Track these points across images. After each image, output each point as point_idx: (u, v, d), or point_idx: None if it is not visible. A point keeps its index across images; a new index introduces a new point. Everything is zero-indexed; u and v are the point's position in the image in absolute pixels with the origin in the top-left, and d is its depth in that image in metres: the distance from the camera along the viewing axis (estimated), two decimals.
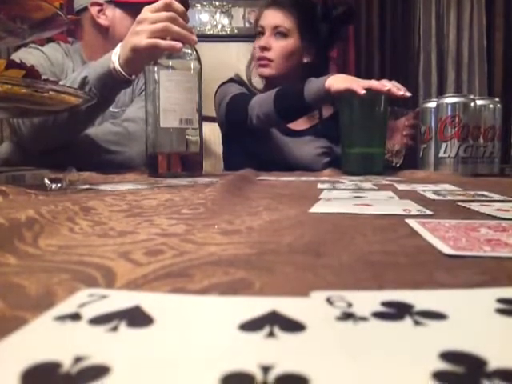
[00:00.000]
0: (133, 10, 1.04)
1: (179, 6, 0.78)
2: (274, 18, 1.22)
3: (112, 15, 1.08)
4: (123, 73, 0.80)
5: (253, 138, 1.18)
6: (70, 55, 1.12)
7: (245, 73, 1.35)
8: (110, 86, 0.83)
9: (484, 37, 2.50)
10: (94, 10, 1.08)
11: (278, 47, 1.22)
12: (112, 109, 1.09)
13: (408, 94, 0.91)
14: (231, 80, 1.29)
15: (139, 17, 0.78)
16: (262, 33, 1.24)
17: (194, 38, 0.77)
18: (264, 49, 1.22)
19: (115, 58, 0.81)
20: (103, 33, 1.10)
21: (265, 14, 1.24)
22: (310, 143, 1.24)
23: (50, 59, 1.06)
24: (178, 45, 0.74)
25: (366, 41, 2.51)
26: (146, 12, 0.77)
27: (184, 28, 0.76)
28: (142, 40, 0.75)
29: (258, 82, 1.33)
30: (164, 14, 0.76)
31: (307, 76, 1.09)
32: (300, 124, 1.25)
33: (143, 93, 1.11)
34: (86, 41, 1.14)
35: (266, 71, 1.23)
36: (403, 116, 1.12)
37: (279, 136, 1.21)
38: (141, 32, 0.76)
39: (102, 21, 1.08)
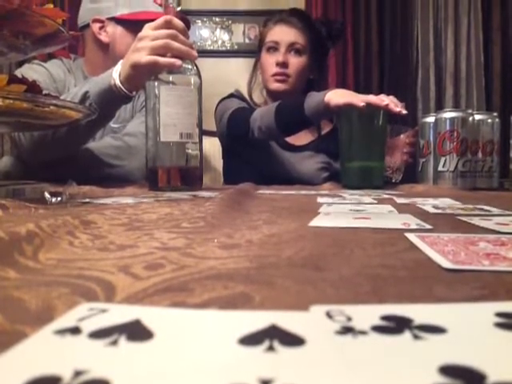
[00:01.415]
0: (133, 28, 1.05)
1: (179, 23, 0.79)
2: (289, 34, 1.24)
3: (113, 32, 1.09)
4: (123, 89, 0.81)
5: (253, 152, 1.19)
6: (72, 71, 1.13)
7: (245, 88, 1.36)
8: (110, 102, 0.84)
9: (481, 52, 2.52)
10: (95, 26, 1.10)
11: (296, 64, 1.24)
12: (113, 124, 1.10)
13: (404, 112, 0.91)
14: (232, 95, 1.30)
15: (140, 34, 0.79)
16: (275, 48, 1.24)
17: (195, 53, 0.78)
18: (283, 65, 1.23)
19: (116, 74, 0.81)
20: (104, 49, 1.11)
21: (277, 30, 1.25)
22: (309, 158, 1.25)
23: (53, 75, 1.07)
24: (178, 62, 0.75)
25: (364, 56, 2.53)
26: (147, 29, 0.78)
27: (184, 44, 0.77)
28: (143, 57, 0.76)
29: (258, 98, 1.34)
30: (164, 31, 0.76)
31: (309, 90, 1.11)
32: (300, 139, 1.26)
33: (144, 108, 1.11)
34: (88, 57, 1.15)
35: (283, 87, 1.24)
36: (403, 133, 1.13)
37: (279, 151, 1.21)
38: (141, 49, 0.77)
39: (103, 37, 1.09)
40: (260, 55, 1.31)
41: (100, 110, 0.75)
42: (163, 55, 0.76)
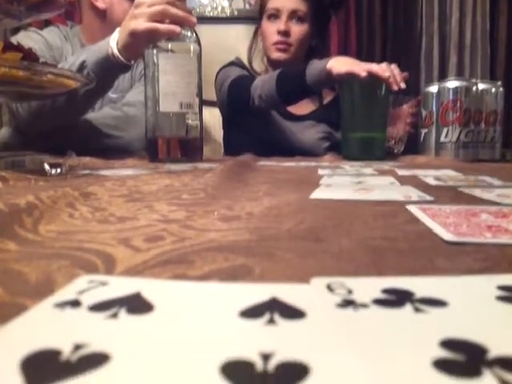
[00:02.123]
0: None
1: None
2: (290, 1, 1.20)
3: None
4: (121, 58, 0.80)
5: (254, 122, 1.18)
6: (69, 39, 1.11)
7: (245, 55, 1.33)
8: (108, 71, 0.82)
9: (487, 21, 2.47)
10: None
11: (298, 32, 1.21)
12: (111, 94, 1.09)
13: (403, 86, 0.90)
14: (232, 63, 1.28)
15: (137, 0, 0.76)
16: (275, 16, 1.21)
17: (194, 19, 0.76)
18: (284, 33, 1.20)
19: (113, 42, 0.80)
20: (101, 16, 1.08)
21: None
22: (311, 128, 1.24)
23: (49, 43, 1.05)
24: (177, 28, 0.73)
25: (367, 24, 2.48)
26: None
27: (183, 10, 0.75)
28: (141, 24, 0.74)
29: (259, 66, 1.32)
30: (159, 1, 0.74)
31: (310, 58, 1.09)
32: (301, 109, 1.25)
33: (143, 78, 1.10)
34: (85, 24, 1.13)
35: (284, 55, 1.22)
36: (405, 103, 1.11)
37: (280, 120, 1.20)
38: (139, 16, 0.75)
39: (100, 3, 1.07)
40: (261, 22, 1.27)
41: (98, 80, 0.74)
42: (161, 22, 0.74)
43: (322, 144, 1.24)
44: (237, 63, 1.28)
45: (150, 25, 0.74)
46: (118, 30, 0.81)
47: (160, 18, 0.74)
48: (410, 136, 1.13)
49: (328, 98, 1.33)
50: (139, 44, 0.77)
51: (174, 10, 0.74)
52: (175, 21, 0.74)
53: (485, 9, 2.46)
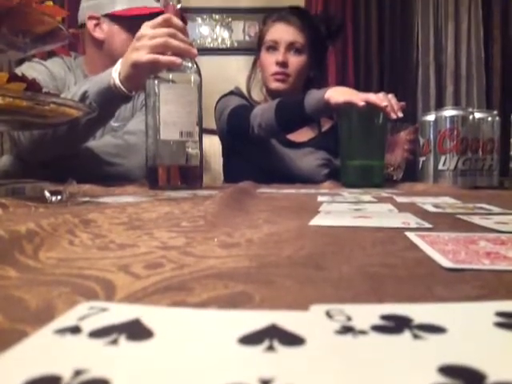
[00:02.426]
0: (129, 24, 1.05)
1: (178, 22, 0.78)
2: (288, 33, 1.23)
3: (108, 29, 1.09)
4: (123, 89, 0.81)
5: (254, 150, 1.19)
6: (73, 70, 1.13)
7: (244, 85, 1.36)
8: (109, 102, 0.84)
9: (482, 49, 2.52)
10: (90, 23, 1.09)
11: (296, 63, 1.24)
12: (113, 123, 1.10)
13: (400, 115, 0.92)
14: (232, 93, 1.30)
15: (139, 33, 0.78)
16: (274, 48, 1.24)
17: (194, 51, 0.78)
18: (283, 64, 1.22)
19: (115, 74, 0.81)
20: (100, 47, 1.11)
21: (276, 29, 1.25)
22: (309, 155, 1.25)
23: (53, 74, 1.07)
24: (178, 60, 0.75)
25: (364, 54, 2.53)
26: (146, 28, 0.78)
27: (184, 42, 0.77)
28: (143, 56, 0.76)
29: (258, 95, 1.34)
30: (163, 30, 0.76)
31: (309, 88, 1.10)
32: (301, 136, 1.26)
33: (144, 107, 1.11)
34: (87, 55, 1.15)
35: (283, 86, 1.24)
36: (403, 130, 1.13)
37: (280, 147, 1.22)
38: (141, 48, 0.77)
39: (98, 34, 1.09)
40: (259, 54, 1.30)
41: (100, 110, 0.75)
42: (163, 54, 0.76)
43: (321, 171, 1.25)
44: (236, 93, 1.30)
45: (151, 56, 0.76)
46: (120, 61, 0.82)
47: (162, 50, 0.76)
48: (409, 163, 1.14)
49: (326, 125, 1.34)
50: (141, 75, 0.78)
51: (175, 43, 0.76)
52: (177, 52, 0.76)
53: (479, 37, 2.51)
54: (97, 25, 1.09)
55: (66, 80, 1.09)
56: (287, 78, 1.24)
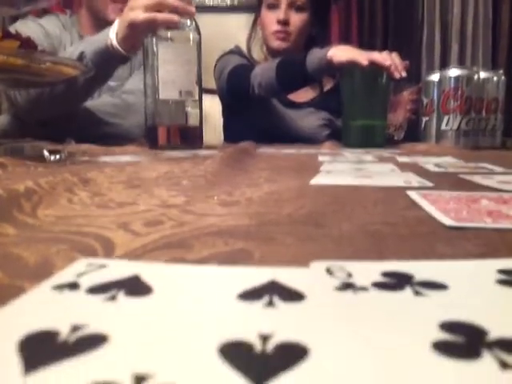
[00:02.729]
0: None
1: None
2: None
3: None
4: (120, 49, 0.79)
5: (254, 109, 1.17)
6: (68, 28, 1.10)
7: (245, 44, 1.32)
8: (107, 62, 0.82)
9: (490, 10, 2.44)
10: None
11: (297, 21, 1.20)
12: (110, 82, 1.08)
13: (404, 74, 0.90)
14: (231, 52, 1.27)
15: None
16: (275, 5, 1.20)
17: (192, 9, 0.76)
18: (284, 22, 1.18)
19: (113, 34, 0.79)
20: (85, 5, 1.08)
21: None
22: (311, 115, 1.24)
23: (47, 31, 1.04)
24: (175, 18, 0.73)
25: (368, 12, 2.46)
26: None
27: (178, 3, 0.74)
28: (139, 15, 0.74)
29: (258, 54, 1.31)
30: None
31: (310, 47, 1.08)
32: (301, 96, 1.24)
33: (142, 66, 1.10)
34: (78, 14, 1.12)
35: (284, 44, 1.20)
36: (405, 90, 1.11)
37: (280, 107, 1.20)
38: (136, 7, 0.75)
39: None
40: (259, 12, 1.26)
41: (97, 70, 0.73)
42: (160, 12, 0.74)
43: (323, 131, 1.23)
44: (236, 52, 1.27)
45: (148, 15, 0.74)
46: (117, 21, 0.80)
47: (158, 8, 0.74)
48: (411, 123, 1.13)
49: (328, 85, 1.32)
50: (138, 35, 0.77)
51: (171, 1, 0.74)
52: (174, 11, 0.74)
53: None
54: None
55: (61, 38, 1.06)
56: (288, 37, 1.20)
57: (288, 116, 1.20)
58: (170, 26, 0.74)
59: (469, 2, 2.46)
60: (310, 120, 1.22)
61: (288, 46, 1.20)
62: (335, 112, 1.22)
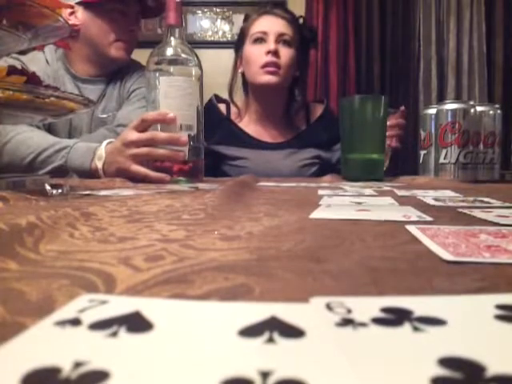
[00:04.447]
0: (101, 10, 1.07)
1: (161, 136, 0.78)
2: (277, 24, 1.16)
3: (82, 17, 1.10)
4: (103, 176, 0.84)
5: (224, 165, 1.18)
6: (53, 63, 1.14)
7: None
8: (82, 175, 0.88)
9: (484, 43, 2.50)
10: (65, 12, 1.09)
11: (287, 54, 1.15)
12: (100, 115, 1.11)
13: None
14: (209, 104, 1.25)
15: (124, 135, 0.80)
16: (262, 39, 1.15)
17: (184, 139, 0.77)
18: (275, 53, 1.13)
19: (100, 163, 0.84)
20: (76, 35, 1.11)
21: (264, 20, 1.17)
22: (289, 156, 1.21)
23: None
24: (167, 177, 0.77)
25: (366, 47, 2.52)
26: (131, 132, 0.79)
27: (169, 137, 0.77)
28: (131, 166, 0.79)
29: (240, 99, 1.29)
30: (147, 136, 0.78)
31: (294, 89, 1.07)
32: (276, 137, 1.24)
33: (131, 95, 1.13)
34: (73, 46, 1.15)
35: (274, 79, 1.14)
36: (390, 115, 1.09)
37: (253, 152, 1.19)
38: (128, 157, 0.79)
39: (73, 22, 1.09)
40: (241, 52, 1.21)
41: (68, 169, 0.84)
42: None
43: (307, 171, 1.21)
44: (213, 104, 1.26)
45: (141, 172, 0.79)
46: (103, 147, 0.85)
47: (150, 143, 0.78)
48: (397, 150, 1.12)
49: (318, 112, 1.29)
50: (124, 176, 0.81)
51: (162, 137, 0.77)
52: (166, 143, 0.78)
53: (481, 31, 2.50)
54: (71, 13, 1.09)
55: (41, 74, 1.09)
56: (279, 71, 1.14)
57: (265, 158, 1.18)
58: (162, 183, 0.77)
59: (463, 36, 2.52)
60: (288, 162, 1.20)
61: (278, 80, 1.15)
62: (323, 145, 1.21)
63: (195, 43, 2.35)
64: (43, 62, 1.12)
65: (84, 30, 1.09)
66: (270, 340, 0.11)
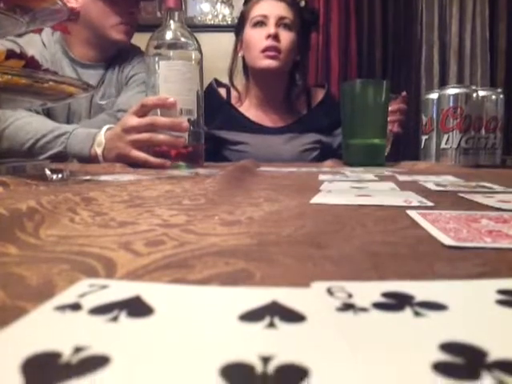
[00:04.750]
0: None
1: (162, 121, 0.78)
2: (278, 8, 1.14)
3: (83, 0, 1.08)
4: (102, 161, 0.84)
5: (225, 149, 1.17)
6: (50, 46, 1.12)
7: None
8: (80, 160, 0.88)
9: (487, 29, 2.47)
10: None
11: (287, 38, 1.14)
12: (99, 101, 1.11)
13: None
14: (209, 88, 1.24)
15: (124, 123, 0.79)
16: (262, 23, 1.14)
17: (185, 125, 0.77)
18: (275, 37, 1.11)
19: (99, 149, 0.84)
20: (75, 18, 1.10)
21: (264, 4, 1.15)
22: (290, 141, 1.21)
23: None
24: (167, 163, 0.77)
25: (368, 32, 2.49)
26: (131, 117, 0.78)
27: (170, 122, 0.76)
28: (131, 152, 0.78)
29: (240, 82, 1.27)
30: (147, 120, 0.77)
31: (295, 73, 1.06)
32: (277, 121, 1.23)
33: (130, 81, 1.12)
34: (72, 29, 1.14)
35: (275, 63, 1.13)
36: (391, 101, 1.07)
37: (254, 136, 1.19)
38: (128, 143, 0.78)
39: (73, 5, 1.07)
40: (241, 37, 1.20)
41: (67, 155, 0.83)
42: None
43: (308, 155, 1.21)
44: (213, 89, 1.25)
45: (141, 157, 0.78)
46: (103, 134, 0.84)
47: (150, 129, 0.77)
48: (398, 136, 1.11)
49: (319, 96, 1.28)
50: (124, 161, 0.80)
51: (162, 121, 0.76)
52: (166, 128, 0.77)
53: (484, 16, 2.48)
54: None
55: (39, 57, 1.08)
56: (279, 55, 1.13)
57: (265, 143, 1.18)
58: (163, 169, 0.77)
59: (466, 21, 2.49)
60: (289, 146, 1.20)
61: (278, 65, 1.14)
62: (324, 130, 1.20)
63: (195, 27, 2.33)
64: (40, 44, 1.11)
65: (84, 12, 1.08)
66: (271, 325, 0.11)
